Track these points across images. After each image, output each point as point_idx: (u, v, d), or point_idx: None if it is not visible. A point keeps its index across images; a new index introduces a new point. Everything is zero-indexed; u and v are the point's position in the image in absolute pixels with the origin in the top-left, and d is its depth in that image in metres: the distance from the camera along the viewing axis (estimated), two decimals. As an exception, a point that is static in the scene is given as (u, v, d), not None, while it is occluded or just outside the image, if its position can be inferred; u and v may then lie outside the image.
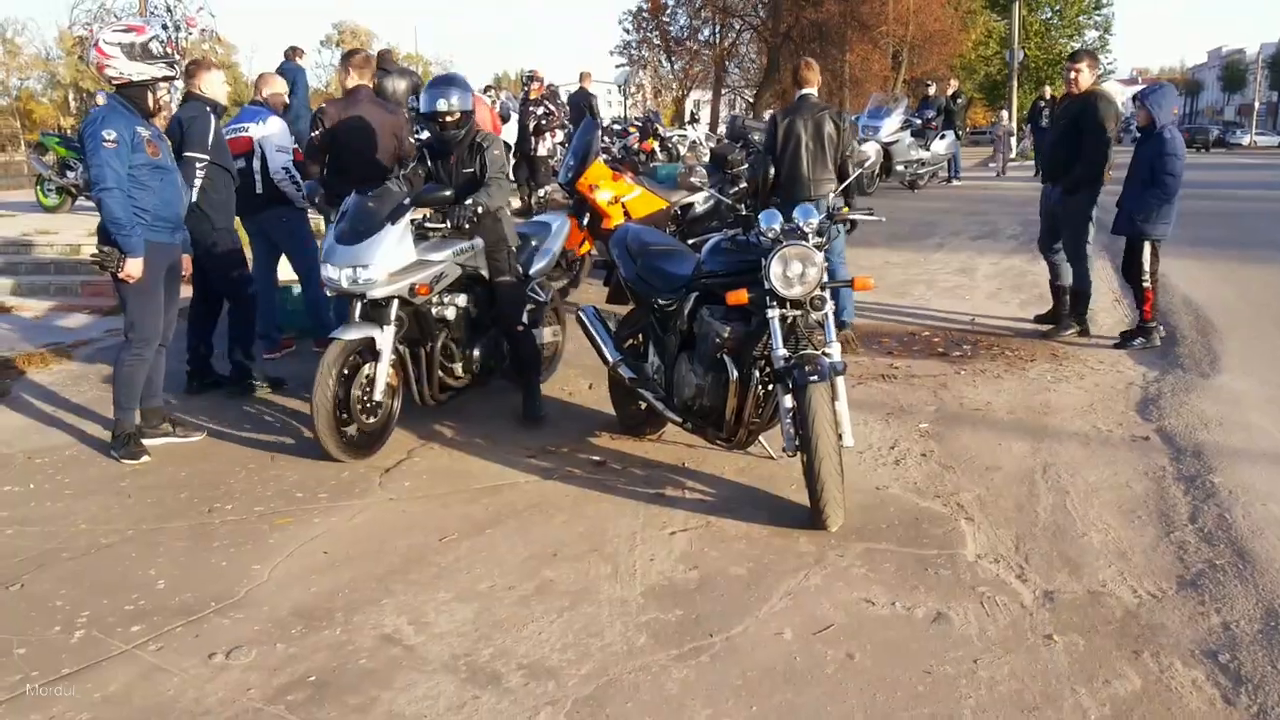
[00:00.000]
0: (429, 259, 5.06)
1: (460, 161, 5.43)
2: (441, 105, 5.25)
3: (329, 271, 4.86)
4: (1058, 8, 38.50)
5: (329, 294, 5.42)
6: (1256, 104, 70.60)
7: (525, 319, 5.57)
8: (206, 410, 5.82)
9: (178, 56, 5.50)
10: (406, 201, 5.06)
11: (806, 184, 6.91)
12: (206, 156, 5.78)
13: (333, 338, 4.87)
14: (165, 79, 5.08)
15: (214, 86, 5.99)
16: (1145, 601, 3.45)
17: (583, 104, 15.37)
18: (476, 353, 5.51)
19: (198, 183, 5.75)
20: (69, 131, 17.47)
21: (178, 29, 11.69)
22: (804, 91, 7.16)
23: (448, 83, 5.45)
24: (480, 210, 5.14)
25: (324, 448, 4.75)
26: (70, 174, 12.63)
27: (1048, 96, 21.24)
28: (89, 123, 4.90)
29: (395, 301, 4.89)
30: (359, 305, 4.88)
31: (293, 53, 12.72)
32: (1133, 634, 3.24)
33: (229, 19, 59.73)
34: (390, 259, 4.85)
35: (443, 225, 5.14)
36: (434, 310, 5.23)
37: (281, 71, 11.78)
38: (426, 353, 5.21)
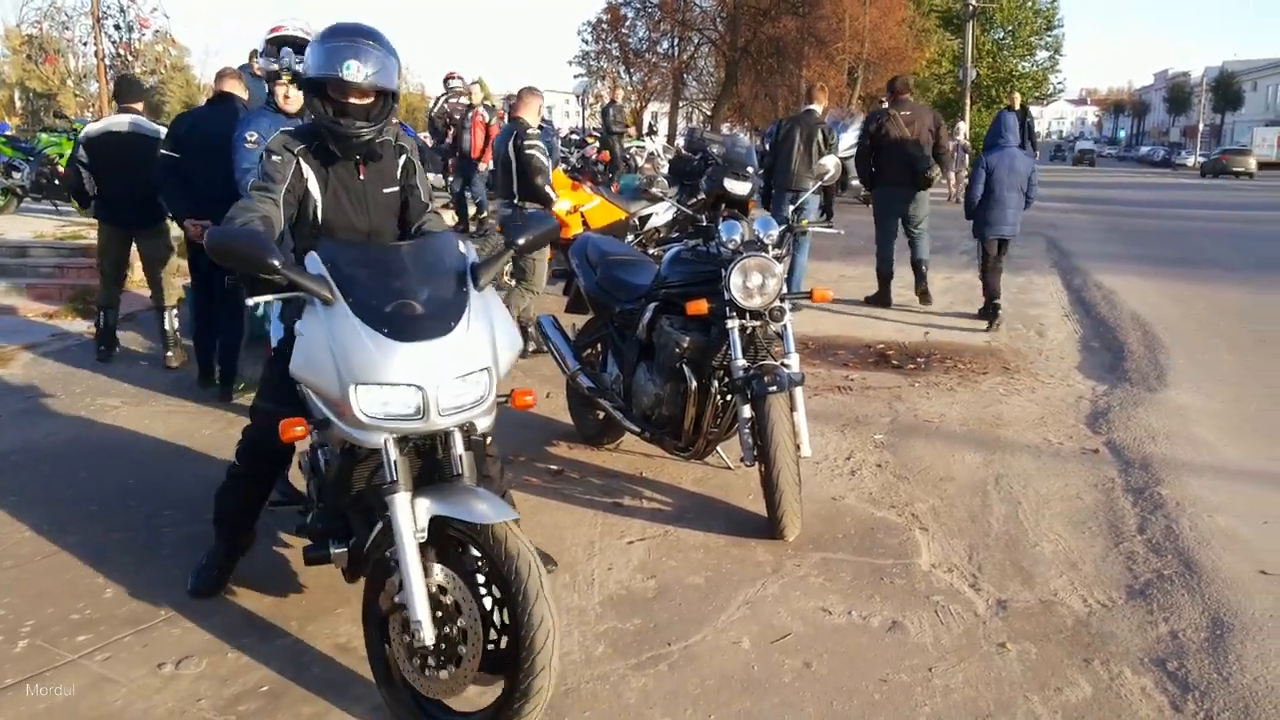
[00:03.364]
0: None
1: (380, 176, 3.30)
2: (352, 72, 2.97)
3: (399, 400, 2.58)
4: (1010, 28, 39.12)
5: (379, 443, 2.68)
6: (1201, 125, 72.38)
7: None
8: (161, 415, 5.71)
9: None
10: (466, 246, 2.96)
11: (793, 178, 8.57)
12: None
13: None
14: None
15: (241, 89, 6.13)
16: (1095, 610, 3.51)
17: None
18: None
19: None
20: (13, 131, 17.10)
21: (130, 30, 11.49)
22: (809, 106, 8.91)
23: (362, 36, 3.05)
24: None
25: None
26: (16, 174, 12.36)
27: (1018, 106, 17.60)
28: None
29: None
30: (392, 449, 2.63)
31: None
32: (1083, 642, 3.29)
33: (183, 22, 58.80)
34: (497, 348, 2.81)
35: None
36: None
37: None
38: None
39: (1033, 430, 5.54)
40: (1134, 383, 6.52)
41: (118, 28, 11.34)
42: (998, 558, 3.94)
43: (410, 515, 2.56)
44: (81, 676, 3.06)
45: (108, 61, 11.02)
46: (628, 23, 32.01)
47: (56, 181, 12.12)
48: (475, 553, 2.66)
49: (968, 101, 29.82)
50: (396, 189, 3.33)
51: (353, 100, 3.08)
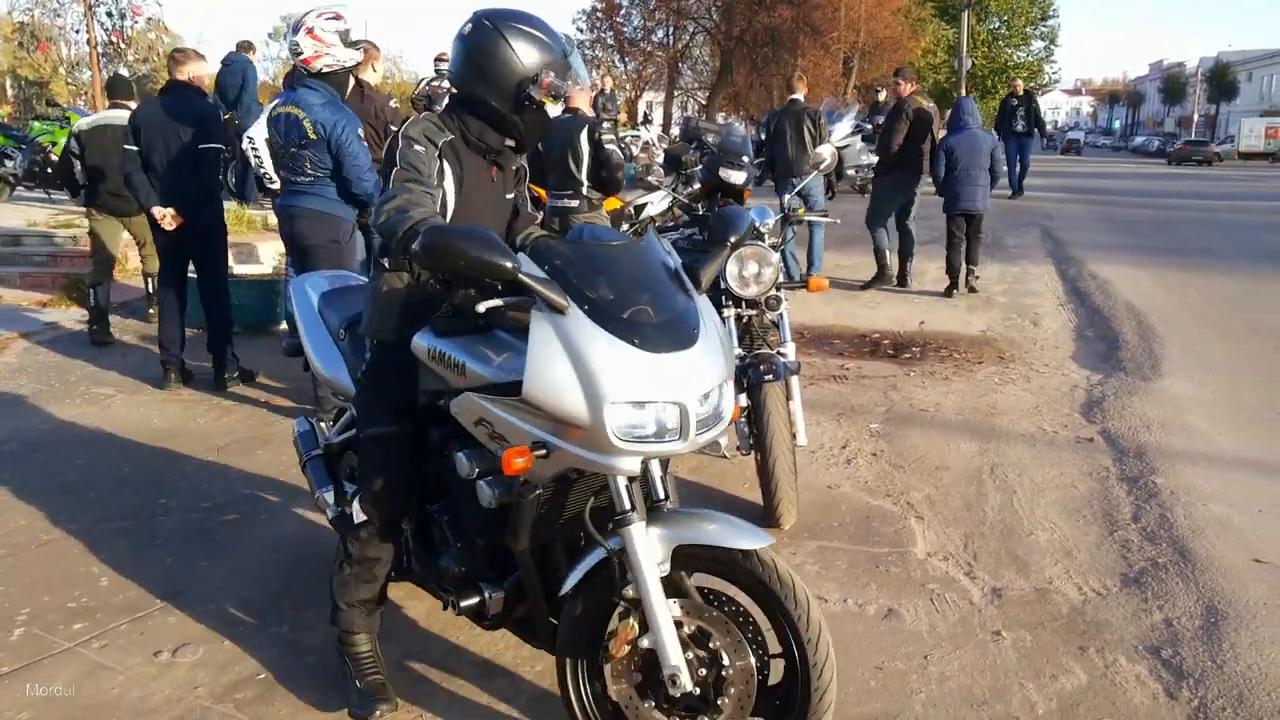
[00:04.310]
0: None
1: (505, 182, 2.93)
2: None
3: (657, 419, 2.23)
4: (1005, 18, 39.15)
5: (628, 467, 2.29)
6: (1195, 116, 72.49)
7: None
8: (155, 404, 5.70)
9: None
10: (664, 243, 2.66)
11: (791, 164, 8.94)
12: (223, 145, 5.93)
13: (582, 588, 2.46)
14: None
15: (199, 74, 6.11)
16: (1090, 599, 3.52)
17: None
18: None
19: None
20: (5, 119, 17.02)
21: (123, 17, 11.44)
22: (793, 96, 9.36)
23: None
24: None
25: None
26: (8, 163, 12.32)
27: (1021, 93, 18.02)
28: (342, 124, 5.05)
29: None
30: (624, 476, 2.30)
31: (244, 47, 12.52)
32: (1078, 630, 3.30)
33: (176, 8, 58.53)
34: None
35: None
36: None
37: (230, 64, 11.58)
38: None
39: (1028, 419, 5.56)
40: (1128, 372, 6.53)
41: (110, 15, 11.31)
42: (993, 546, 3.95)
43: (651, 549, 2.27)
44: (78, 664, 3.06)
45: (100, 49, 10.98)
46: (622, 11, 31.96)
47: (49, 170, 12.08)
48: (712, 583, 2.39)
49: (963, 91, 29.77)
50: (512, 196, 2.98)
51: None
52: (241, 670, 3.04)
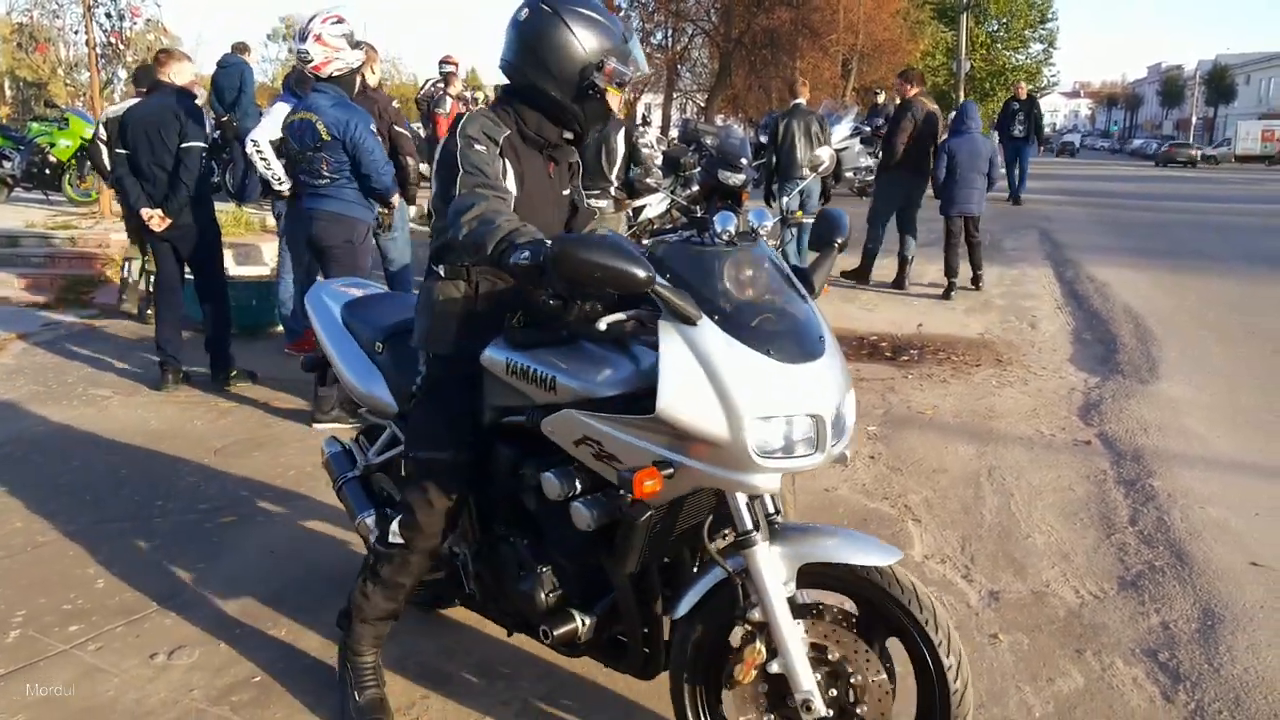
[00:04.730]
0: None
1: (561, 177, 2.76)
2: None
3: (798, 433, 2.11)
4: (1004, 20, 39.16)
5: (768, 485, 2.17)
6: (1193, 119, 72.56)
7: None
8: (153, 405, 5.70)
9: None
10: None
11: (798, 166, 9.00)
12: (204, 143, 5.92)
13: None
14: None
15: (185, 76, 6.08)
16: (1087, 601, 3.52)
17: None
18: None
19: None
20: (4, 120, 17.01)
21: (122, 18, 11.41)
22: (796, 100, 9.63)
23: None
24: None
25: None
26: (6, 164, 12.31)
27: (1023, 96, 17.37)
28: (354, 121, 5.16)
29: None
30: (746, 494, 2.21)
31: (240, 48, 12.52)
32: (1075, 633, 3.30)
33: (175, 9, 58.55)
34: None
35: None
36: None
37: (227, 66, 11.56)
38: None
39: (1025, 422, 5.56)
40: (1126, 375, 6.54)
41: (109, 16, 11.27)
42: (990, 549, 3.95)
43: (776, 570, 2.18)
44: (73, 667, 3.05)
45: (99, 50, 10.95)
46: (621, 14, 31.93)
47: (47, 171, 12.09)
48: (835, 603, 2.30)
49: (962, 94, 29.80)
50: (568, 192, 2.80)
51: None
52: (237, 673, 3.03)
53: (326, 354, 3.23)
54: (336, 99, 5.20)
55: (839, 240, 2.58)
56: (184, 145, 5.77)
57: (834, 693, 2.21)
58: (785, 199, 4.84)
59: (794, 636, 2.17)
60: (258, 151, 6.02)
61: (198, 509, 4.30)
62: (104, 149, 7.32)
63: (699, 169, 9.40)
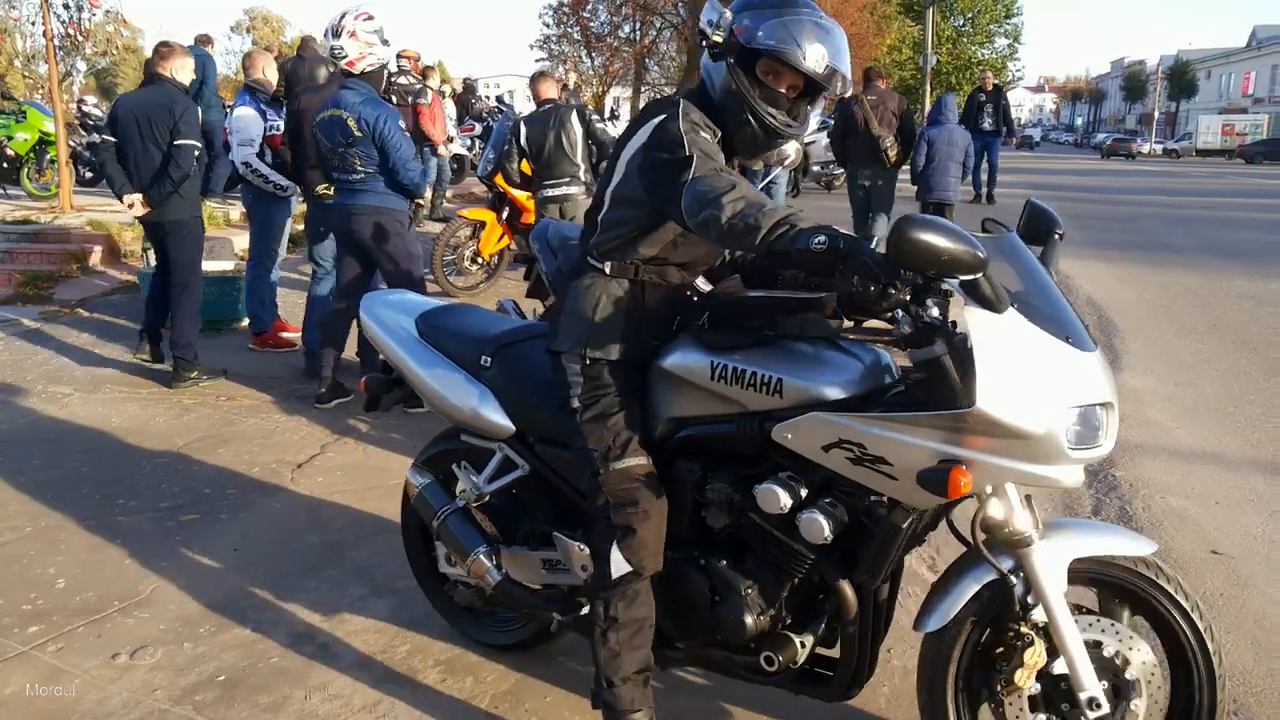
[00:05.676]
0: None
1: None
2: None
3: (1098, 423, 2.03)
4: (970, 16, 39.42)
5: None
6: (1156, 113, 73.43)
7: None
8: (114, 403, 5.62)
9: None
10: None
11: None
12: (199, 143, 5.88)
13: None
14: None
15: (186, 73, 6.09)
16: (1051, 591, 3.55)
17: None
18: None
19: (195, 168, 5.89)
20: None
21: (80, 9, 11.21)
22: None
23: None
24: None
25: None
26: (-37, 158, 12.09)
27: (989, 88, 16.32)
28: (383, 117, 5.21)
29: None
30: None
31: (203, 40, 12.36)
32: (1039, 622, 3.33)
33: (139, 4, 57.77)
34: None
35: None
36: None
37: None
38: None
39: (990, 414, 5.59)
40: (1089, 366, 6.60)
41: (66, 7, 11.06)
42: (953, 539, 3.96)
43: (1057, 567, 2.11)
44: (34, 668, 3.01)
45: (56, 42, 10.76)
46: (589, 6, 31.83)
47: (5, 164, 11.88)
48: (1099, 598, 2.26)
49: (928, 88, 30.00)
50: None
51: (786, 89, 2.35)
52: (201, 672, 3.00)
53: (406, 372, 2.91)
54: (366, 95, 5.26)
55: (1058, 231, 2.40)
56: (176, 143, 5.73)
57: (1105, 685, 2.15)
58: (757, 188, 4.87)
59: (1076, 638, 2.11)
60: (252, 171, 6.30)
61: (160, 507, 4.25)
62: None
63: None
